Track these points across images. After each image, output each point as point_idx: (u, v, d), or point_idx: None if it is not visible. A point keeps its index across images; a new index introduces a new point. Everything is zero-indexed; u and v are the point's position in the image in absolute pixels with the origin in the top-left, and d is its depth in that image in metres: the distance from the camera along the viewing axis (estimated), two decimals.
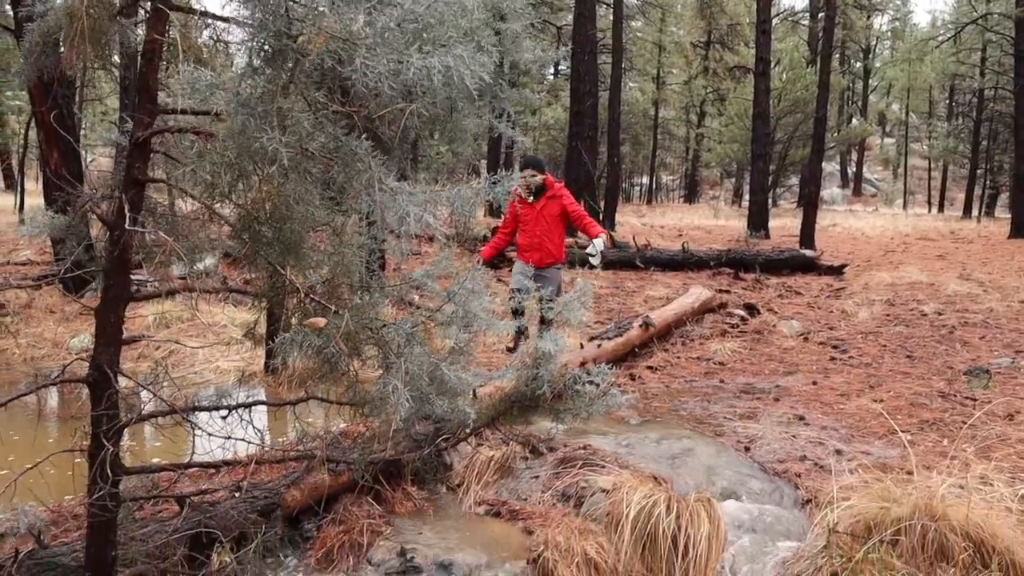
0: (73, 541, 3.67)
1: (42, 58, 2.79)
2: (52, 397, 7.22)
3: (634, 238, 15.09)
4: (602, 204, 21.25)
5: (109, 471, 2.32)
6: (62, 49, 2.76)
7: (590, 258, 6.89)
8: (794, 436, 5.36)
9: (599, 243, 6.82)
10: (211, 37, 2.32)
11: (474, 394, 4.59)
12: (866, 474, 4.32)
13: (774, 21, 32.08)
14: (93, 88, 24.33)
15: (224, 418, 2.65)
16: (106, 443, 2.31)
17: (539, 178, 6.90)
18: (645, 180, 49.45)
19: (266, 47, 1.79)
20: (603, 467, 4.61)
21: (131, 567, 3.14)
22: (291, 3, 1.76)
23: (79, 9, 2.06)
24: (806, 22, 45.74)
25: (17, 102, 20.67)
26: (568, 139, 20.74)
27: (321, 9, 1.76)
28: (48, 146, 10.51)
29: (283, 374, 6.85)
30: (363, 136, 1.89)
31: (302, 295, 2.11)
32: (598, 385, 3.27)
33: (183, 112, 2.13)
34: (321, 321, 2.10)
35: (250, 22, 1.79)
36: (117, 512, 2.51)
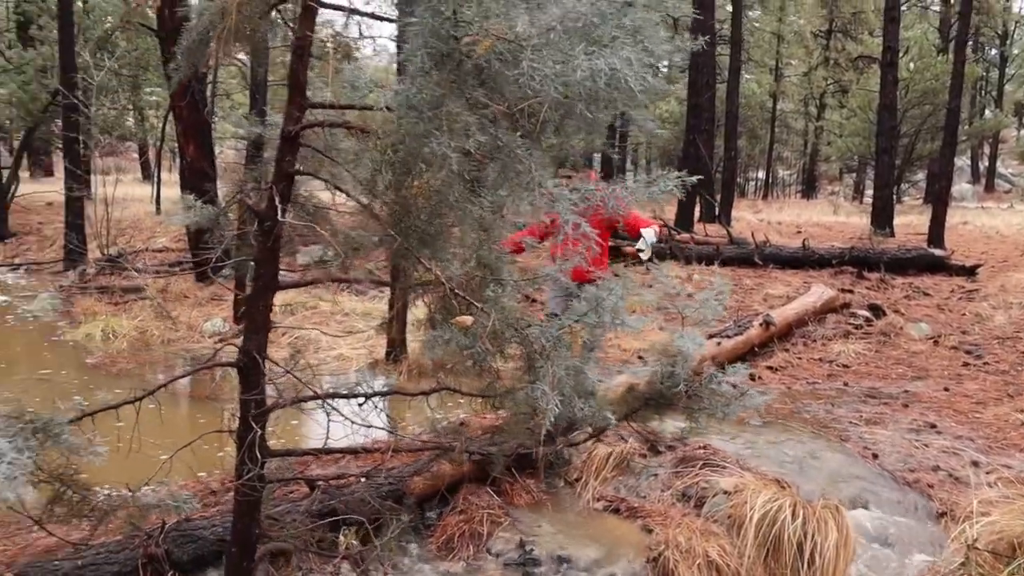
0: (212, 516, 3.86)
1: (197, 56, 2.93)
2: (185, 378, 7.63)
3: (752, 234, 14.71)
4: (718, 199, 20.80)
5: (258, 453, 2.43)
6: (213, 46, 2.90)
7: (640, 253, 5.78)
8: (925, 445, 5.13)
9: (649, 234, 5.69)
10: (358, 33, 2.38)
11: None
12: (1008, 488, 4.10)
13: (902, 8, 30.57)
14: (223, 84, 25.46)
15: (360, 405, 2.73)
16: (254, 426, 2.42)
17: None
18: (760, 175, 48.07)
19: (433, 49, 1.82)
20: (724, 468, 4.53)
21: (266, 544, 3.29)
22: (459, 6, 1.78)
23: (231, 6, 2.15)
24: (936, 8, 43.39)
25: (154, 97, 21.85)
26: (685, 132, 20.35)
27: (490, 9, 1.77)
28: (185, 139, 11.06)
29: (404, 363, 7.02)
30: (519, 135, 1.91)
31: (447, 289, 2.15)
32: (734, 385, 3.22)
33: (335, 107, 2.20)
34: (468, 319, 2.13)
35: (417, 23, 1.82)
36: (262, 492, 2.63)
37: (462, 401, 5.79)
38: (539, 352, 2.10)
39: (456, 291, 2.16)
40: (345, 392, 2.70)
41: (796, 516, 3.91)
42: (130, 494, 2.61)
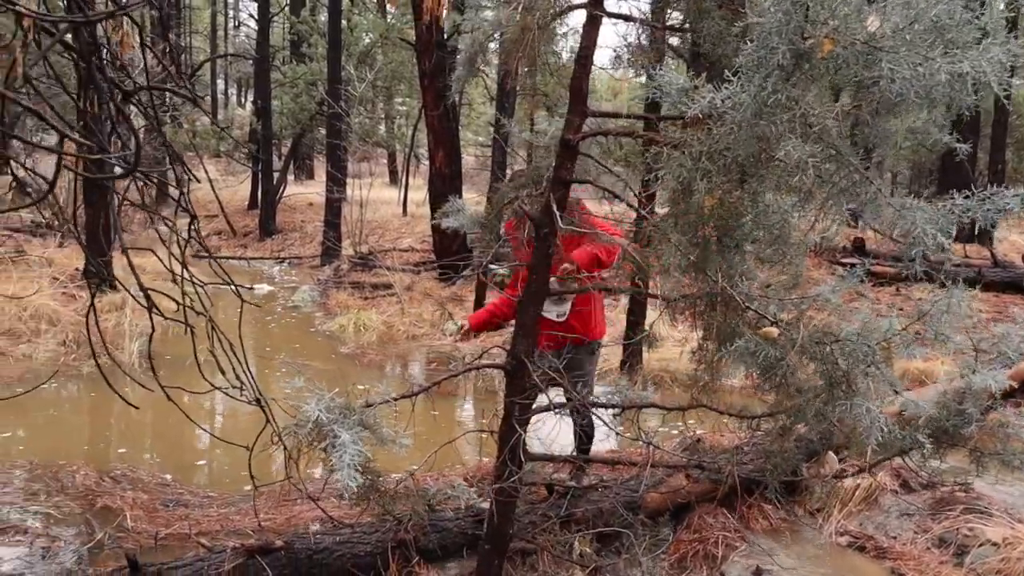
0: (457, 509, 4.06)
1: (472, 66, 3.13)
2: (417, 371, 8.10)
3: (1023, 257, 13.31)
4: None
5: (521, 456, 2.52)
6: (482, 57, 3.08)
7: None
8: None
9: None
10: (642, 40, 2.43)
11: None
12: None
13: None
14: (466, 94, 26.76)
15: (616, 416, 2.76)
16: (518, 428, 2.52)
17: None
18: None
19: (794, 46, 1.77)
20: (990, 516, 4.13)
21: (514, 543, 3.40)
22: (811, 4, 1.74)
23: (531, 24, 2.27)
24: None
25: (404, 107, 23.35)
26: (945, 144, 18.76)
27: (840, 8, 1.71)
28: (435, 146, 11.73)
29: (639, 374, 7.02)
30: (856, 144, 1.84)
31: (739, 303, 2.11)
32: None
33: (631, 116, 2.25)
34: (774, 331, 2.09)
35: (765, 22, 1.79)
36: (519, 494, 2.73)
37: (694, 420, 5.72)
38: (854, 367, 2.00)
39: (749, 305, 2.12)
40: (604, 401, 2.74)
41: None
42: (412, 480, 2.81)
